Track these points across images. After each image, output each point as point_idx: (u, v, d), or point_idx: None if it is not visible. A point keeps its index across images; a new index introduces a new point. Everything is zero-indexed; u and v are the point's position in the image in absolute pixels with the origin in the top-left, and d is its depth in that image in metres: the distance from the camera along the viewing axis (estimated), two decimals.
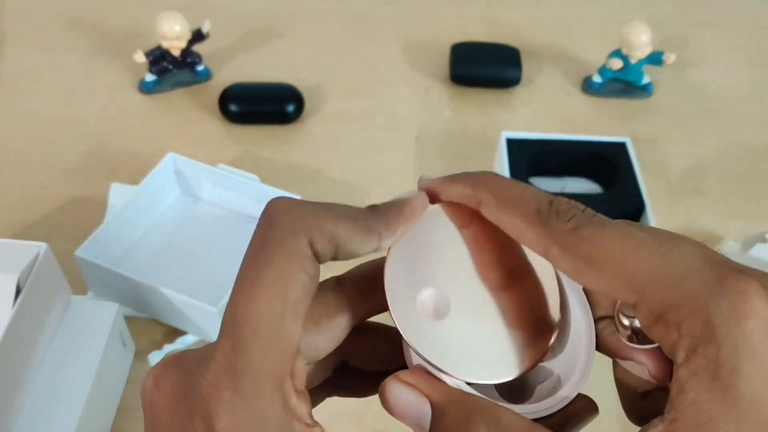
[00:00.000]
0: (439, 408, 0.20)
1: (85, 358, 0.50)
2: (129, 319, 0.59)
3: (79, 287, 0.59)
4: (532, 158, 0.70)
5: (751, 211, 0.72)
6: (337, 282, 0.23)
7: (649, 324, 0.19)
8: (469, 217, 0.23)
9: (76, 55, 0.85)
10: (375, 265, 0.23)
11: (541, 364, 0.23)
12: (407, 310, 0.22)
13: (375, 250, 0.22)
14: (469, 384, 0.22)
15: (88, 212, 0.67)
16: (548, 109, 0.82)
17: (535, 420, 0.21)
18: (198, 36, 0.79)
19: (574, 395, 0.22)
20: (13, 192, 0.69)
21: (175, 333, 0.59)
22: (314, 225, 0.20)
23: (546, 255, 0.21)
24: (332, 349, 0.22)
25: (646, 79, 0.82)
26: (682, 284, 0.18)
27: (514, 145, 0.70)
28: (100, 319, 0.53)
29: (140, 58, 0.78)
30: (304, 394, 0.20)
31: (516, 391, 0.24)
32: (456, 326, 0.22)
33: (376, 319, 0.24)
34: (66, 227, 0.66)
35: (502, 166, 0.69)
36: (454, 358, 0.22)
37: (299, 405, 0.19)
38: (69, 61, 0.84)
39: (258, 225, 0.21)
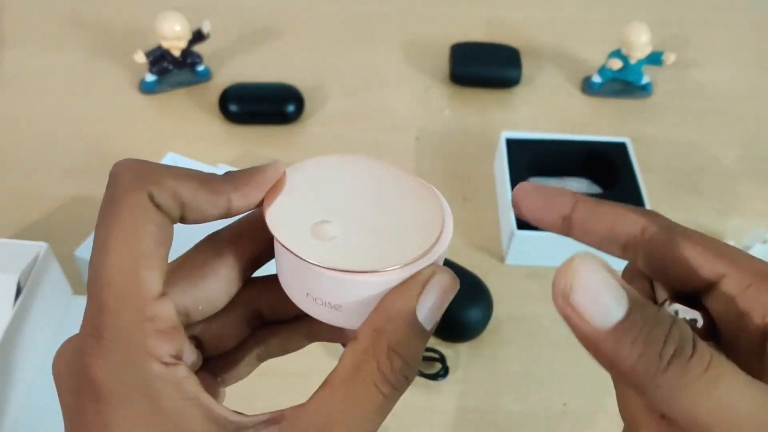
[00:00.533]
0: (639, 299, 0.19)
1: None
2: None
3: (79, 287, 0.59)
4: (531, 158, 0.70)
5: (750, 211, 0.72)
6: (212, 237, 0.25)
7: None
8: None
9: (76, 56, 0.85)
10: (249, 218, 0.25)
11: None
12: (298, 240, 0.23)
13: (227, 214, 0.23)
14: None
15: (89, 212, 0.67)
16: (548, 109, 0.82)
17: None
18: (198, 36, 0.79)
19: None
20: (14, 191, 0.69)
21: None
22: (154, 180, 0.21)
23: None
24: (227, 300, 0.24)
25: (645, 79, 0.82)
26: None
27: (513, 145, 0.70)
28: None
29: (140, 58, 0.78)
30: (168, 335, 0.21)
31: None
32: (348, 241, 0.23)
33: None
34: (66, 227, 0.66)
35: (501, 166, 0.69)
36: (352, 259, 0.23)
37: (158, 345, 0.20)
38: (69, 61, 0.84)
39: (106, 186, 0.22)
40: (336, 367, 0.22)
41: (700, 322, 0.22)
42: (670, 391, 0.18)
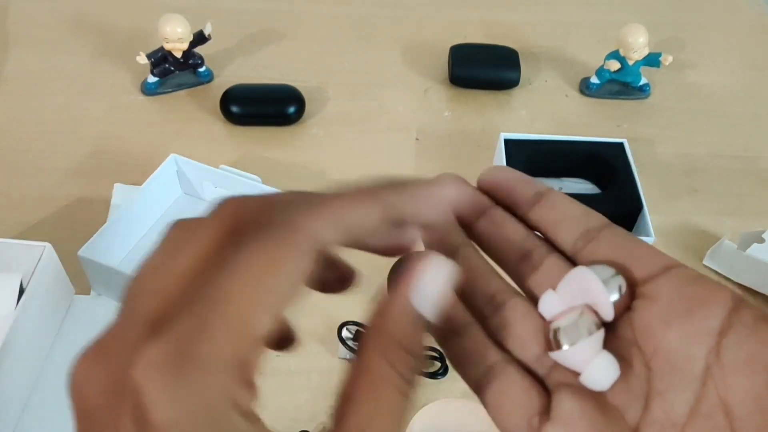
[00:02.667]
0: None
1: None
2: None
3: (82, 287, 0.59)
4: (530, 159, 0.70)
5: (748, 210, 0.72)
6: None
7: None
8: None
9: (79, 57, 0.85)
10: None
11: None
12: None
13: (399, 248, 0.23)
14: None
15: (92, 212, 0.68)
16: (546, 110, 0.82)
17: None
18: (200, 38, 0.80)
19: None
20: (17, 192, 0.70)
21: None
22: (315, 219, 0.20)
23: None
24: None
25: (643, 81, 0.83)
26: None
27: (512, 145, 0.71)
28: (102, 317, 0.53)
29: (143, 59, 0.78)
30: (254, 386, 0.18)
31: None
32: None
33: None
34: (69, 227, 0.66)
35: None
36: None
37: (246, 397, 0.18)
38: (72, 63, 0.85)
39: (271, 208, 0.20)
40: (351, 378, 0.21)
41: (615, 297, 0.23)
42: None
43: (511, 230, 0.25)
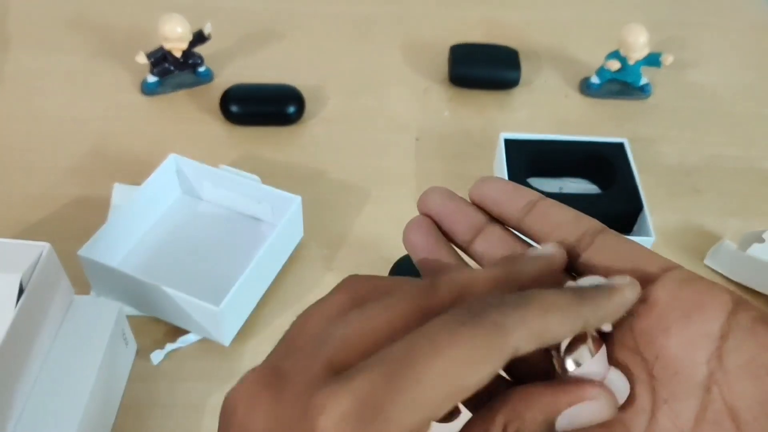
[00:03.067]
0: None
1: (88, 356, 0.51)
2: (131, 318, 0.59)
3: (82, 287, 0.59)
4: (530, 159, 0.70)
5: (748, 210, 0.72)
6: None
7: None
8: None
9: (78, 57, 0.85)
10: None
11: None
12: None
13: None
14: None
15: (91, 212, 0.68)
16: (546, 110, 0.82)
17: None
18: (199, 37, 0.80)
19: None
20: (17, 192, 0.70)
21: (177, 332, 0.59)
22: (524, 325, 0.20)
23: None
24: None
25: (643, 80, 0.83)
26: None
27: (512, 145, 0.70)
28: (102, 317, 0.53)
29: (142, 59, 0.78)
30: None
31: None
32: None
33: None
34: (69, 227, 0.66)
35: (500, 166, 0.70)
36: None
37: None
38: (72, 62, 0.85)
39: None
40: None
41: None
42: None
43: (506, 250, 0.25)
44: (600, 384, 0.22)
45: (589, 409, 0.21)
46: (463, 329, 0.19)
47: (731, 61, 0.91)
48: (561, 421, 0.21)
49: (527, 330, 0.19)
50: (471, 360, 0.18)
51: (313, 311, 0.22)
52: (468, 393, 0.19)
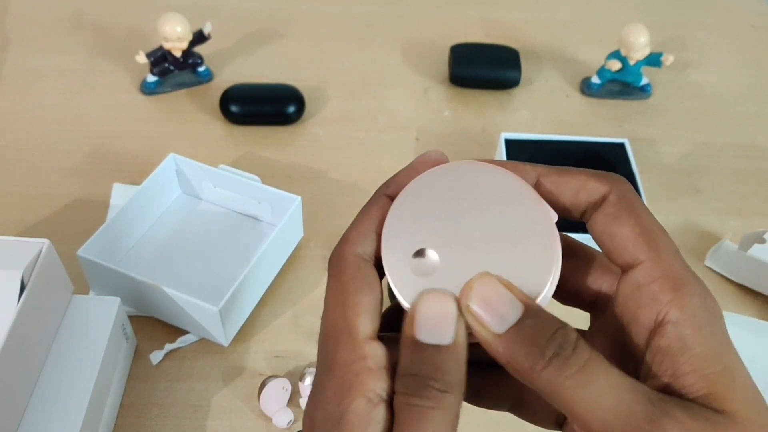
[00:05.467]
0: (534, 307, 0.22)
1: (89, 352, 0.51)
2: (130, 318, 0.59)
3: (81, 287, 0.59)
4: (530, 159, 0.70)
5: (749, 211, 0.72)
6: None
7: None
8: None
9: (78, 56, 0.85)
10: None
11: None
12: (400, 269, 0.24)
13: None
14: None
15: (90, 212, 0.67)
16: (547, 110, 0.82)
17: None
18: (199, 37, 0.80)
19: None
20: (16, 192, 0.70)
21: (176, 332, 0.59)
22: (347, 239, 0.24)
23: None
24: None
25: (644, 80, 0.83)
26: None
27: (512, 145, 0.70)
28: (102, 313, 0.53)
29: (142, 59, 0.78)
30: (377, 373, 0.22)
31: None
32: (446, 283, 0.23)
33: None
34: (68, 227, 0.66)
35: None
36: None
37: (368, 382, 0.22)
38: (71, 62, 0.85)
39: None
40: None
41: None
42: (551, 385, 0.20)
43: None
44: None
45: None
46: None
47: (731, 61, 0.91)
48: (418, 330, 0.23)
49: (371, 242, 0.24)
50: None
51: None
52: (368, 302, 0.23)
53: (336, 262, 0.24)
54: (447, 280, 0.23)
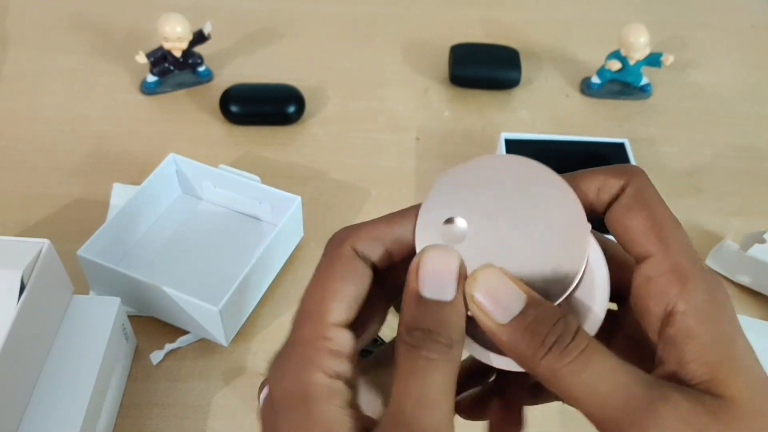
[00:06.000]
0: (536, 298, 0.23)
1: (89, 352, 0.51)
2: (130, 318, 0.59)
3: (81, 287, 0.59)
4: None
5: (750, 210, 0.72)
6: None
7: None
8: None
9: (78, 57, 0.85)
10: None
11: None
12: (429, 232, 0.24)
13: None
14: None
15: (90, 212, 0.67)
16: (547, 110, 0.82)
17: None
18: (199, 37, 0.80)
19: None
20: (16, 192, 0.70)
21: (176, 332, 0.59)
22: (356, 233, 0.25)
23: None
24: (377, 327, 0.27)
25: (644, 80, 0.83)
26: None
27: (512, 145, 0.70)
28: (102, 313, 0.53)
29: (142, 59, 0.78)
30: (339, 356, 0.23)
31: None
32: (468, 255, 0.24)
33: None
34: (68, 227, 0.66)
35: None
36: None
37: (326, 360, 0.23)
38: (71, 62, 0.84)
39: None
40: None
41: None
42: (551, 371, 0.21)
43: None
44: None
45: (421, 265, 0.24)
46: None
47: (731, 61, 0.91)
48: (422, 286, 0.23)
49: (364, 236, 0.25)
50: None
51: None
52: (341, 285, 0.24)
53: (334, 245, 0.25)
54: (471, 251, 0.24)
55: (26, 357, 0.48)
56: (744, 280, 0.64)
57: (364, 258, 0.24)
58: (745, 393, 0.20)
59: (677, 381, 0.21)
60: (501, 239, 0.24)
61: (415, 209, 0.25)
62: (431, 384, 0.22)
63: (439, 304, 0.23)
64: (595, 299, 0.24)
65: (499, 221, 0.24)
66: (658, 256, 0.23)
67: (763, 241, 0.63)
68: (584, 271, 0.24)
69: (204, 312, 0.55)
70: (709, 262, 0.66)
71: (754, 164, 0.77)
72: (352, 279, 0.24)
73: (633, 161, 0.69)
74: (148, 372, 0.57)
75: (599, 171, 0.25)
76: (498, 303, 0.22)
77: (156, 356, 0.58)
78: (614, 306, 0.27)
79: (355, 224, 0.25)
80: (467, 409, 0.28)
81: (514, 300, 0.22)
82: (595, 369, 0.21)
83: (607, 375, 0.21)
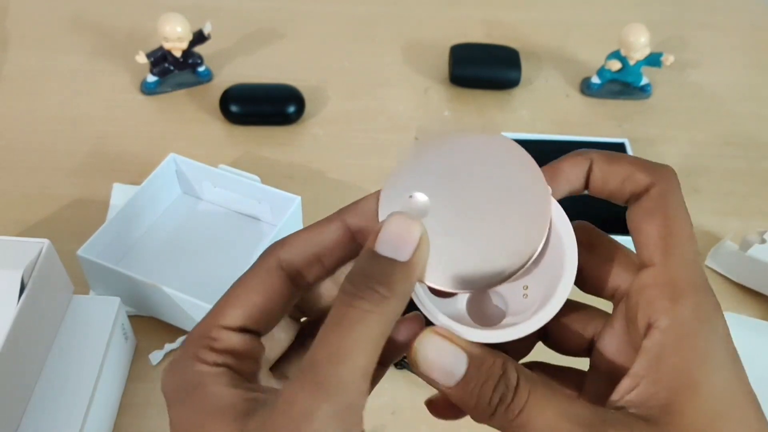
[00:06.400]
0: (477, 357, 0.23)
1: (89, 352, 0.51)
2: (130, 318, 0.59)
3: (81, 287, 0.59)
4: None
5: (749, 211, 0.72)
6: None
7: None
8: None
9: (78, 57, 0.85)
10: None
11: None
12: (391, 207, 0.24)
13: (346, 240, 0.26)
14: (431, 290, 0.24)
15: (90, 212, 0.67)
16: (547, 110, 0.82)
17: (491, 345, 0.24)
18: (199, 37, 0.80)
19: (541, 324, 0.24)
20: (16, 192, 0.70)
21: (176, 332, 0.59)
22: (283, 244, 0.25)
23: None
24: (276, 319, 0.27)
25: (644, 80, 0.83)
26: None
27: None
28: (102, 313, 0.53)
29: (142, 59, 0.78)
30: (222, 354, 0.24)
31: (482, 313, 0.26)
32: (432, 232, 0.24)
33: None
34: (68, 227, 0.66)
35: None
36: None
37: (208, 355, 0.24)
38: (71, 62, 0.84)
39: None
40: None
41: None
42: (502, 427, 0.23)
43: None
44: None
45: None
46: None
47: (732, 61, 0.91)
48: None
49: (291, 247, 0.26)
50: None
51: None
52: (244, 293, 0.25)
53: (262, 257, 0.26)
54: (434, 225, 0.24)
55: (26, 357, 0.48)
56: (743, 280, 0.64)
57: (289, 269, 0.25)
58: (697, 423, 0.21)
59: (644, 396, 0.22)
60: (463, 213, 0.24)
61: (339, 214, 0.26)
62: (353, 336, 0.21)
63: (391, 261, 0.22)
64: (566, 257, 0.24)
65: (461, 195, 0.24)
66: (658, 267, 0.23)
67: (762, 241, 0.63)
68: (549, 233, 0.24)
69: (203, 311, 0.55)
70: (709, 262, 0.66)
71: (754, 164, 0.77)
72: (262, 290, 0.25)
73: None
74: (148, 372, 0.57)
75: (630, 161, 0.25)
76: (442, 369, 0.23)
77: (155, 356, 0.58)
78: (611, 305, 0.27)
79: (286, 236, 0.26)
80: (441, 409, 0.28)
81: (456, 364, 0.23)
82: (537, 422, 0.22)
83: (549, 425, 0.22)
